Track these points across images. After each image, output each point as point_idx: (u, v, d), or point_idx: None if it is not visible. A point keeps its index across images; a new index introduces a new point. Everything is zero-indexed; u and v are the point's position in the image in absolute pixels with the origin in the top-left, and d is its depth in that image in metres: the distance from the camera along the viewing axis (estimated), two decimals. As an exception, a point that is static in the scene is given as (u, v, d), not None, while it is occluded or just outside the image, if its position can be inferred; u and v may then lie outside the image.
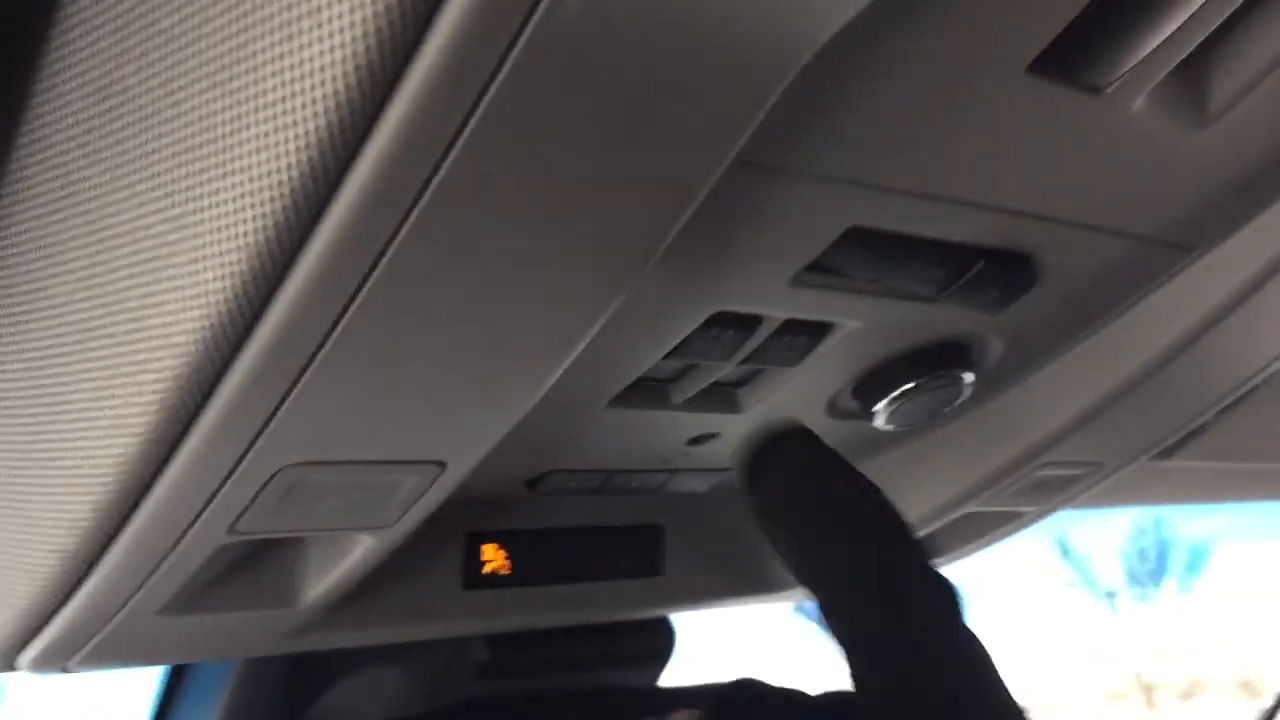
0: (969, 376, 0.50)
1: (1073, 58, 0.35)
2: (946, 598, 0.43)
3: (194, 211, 0.30)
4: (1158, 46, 0.35)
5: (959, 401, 0.52)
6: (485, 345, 0.35)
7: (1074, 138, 0.38)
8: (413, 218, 0.29)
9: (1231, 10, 0.35)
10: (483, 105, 0.26)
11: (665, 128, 0.30)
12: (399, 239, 0.29)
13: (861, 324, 0.46)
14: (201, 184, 0.30)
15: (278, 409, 0.34)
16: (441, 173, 0.28)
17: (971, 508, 0.59)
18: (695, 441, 0.53)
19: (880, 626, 0.42)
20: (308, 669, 0.76)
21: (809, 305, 0.44)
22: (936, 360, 0.50)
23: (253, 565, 0.46)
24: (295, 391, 0.33)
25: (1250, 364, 0.53)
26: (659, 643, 0.75)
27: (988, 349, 0.51)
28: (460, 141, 0.27)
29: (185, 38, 0.30)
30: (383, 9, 0.24)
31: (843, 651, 0.42)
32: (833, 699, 0.48)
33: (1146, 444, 0.57)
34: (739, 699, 0.50)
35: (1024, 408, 0.54)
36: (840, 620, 0.43)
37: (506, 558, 0.57)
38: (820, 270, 0.41)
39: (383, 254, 0.29)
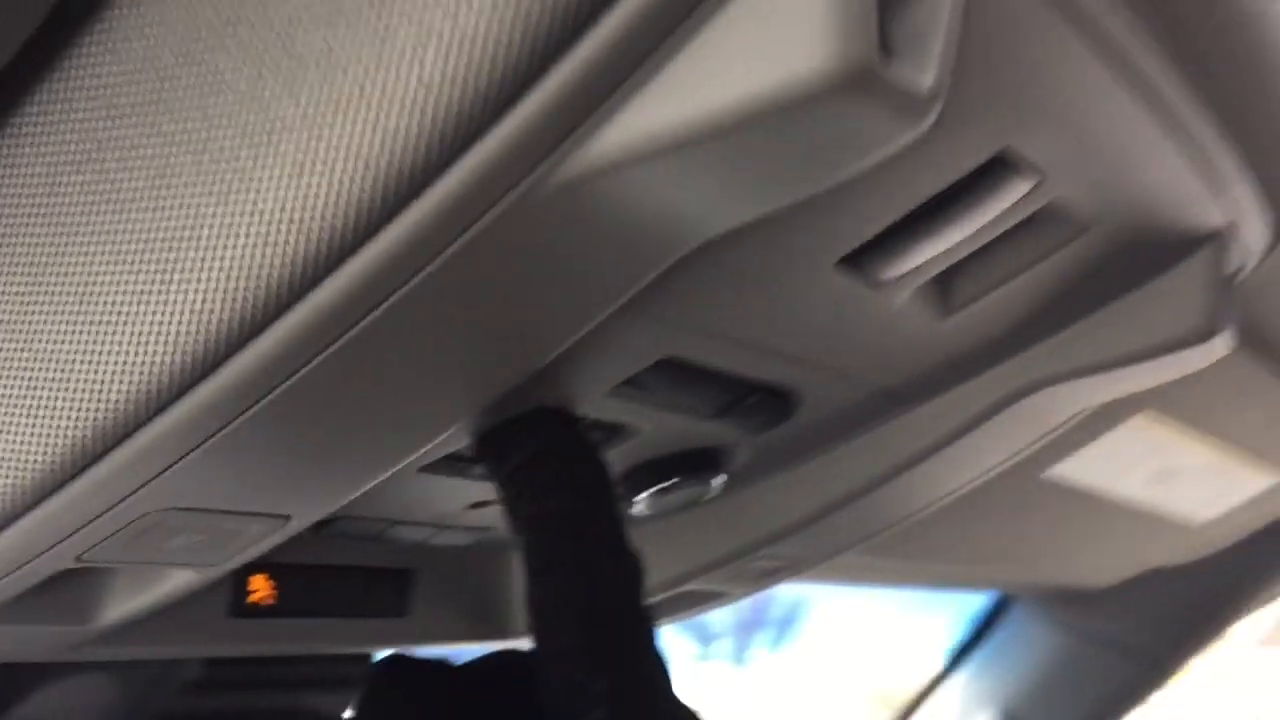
0: (720, 479, 0.59)
1: (867, 260, 0.44)
2: (633, 572, 0.44)
3: (159, 293, 0.33)
4: (929, 260, 0.44)
5: (707, 498, 0.60)
6: (359, 438, 0.40)
7: (850, 313, 0.47)
8: (339, 343, 0.33)
9: (982, 244, 0.45)
10: (437, 261, 0.32)
11: (546, 308, 0.37)
12: (326, 354, 0.34)
13: (650, 429, 0.53)
14: (175, 272, 0.33)
15: (173, 464, 0.37)
16: (378, 311, 0.33)
17: (690, 587, 0.67)
18: (476, 505, 0.59)
19: (559, 587, 0.43)
20: (9, 668, 0.75)
21: (613, 411, 0.51)
22: (696, 463, 0.58)
23: (61, 583, 0.47)
24: (194, 452, 0.37)
25: (937, 493, 0.64)
26: (353, 671, 0.79)
27: (738, 457, 0.59)
28: (402, 290, 0.32)
29: (188, 146, 0.33)
30: (395, 172, 0.30)
31: (528, 603, 0.43)
32: (493, 661, 0.48)
33: (844, 545, 0.67)
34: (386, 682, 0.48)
35: (755, 508, 0.63)
36: (528, 572, 0.44)
37: (273, 589, 0.60)
38: (630, 385, 0.49)
39: (312, 359, 0.34)
